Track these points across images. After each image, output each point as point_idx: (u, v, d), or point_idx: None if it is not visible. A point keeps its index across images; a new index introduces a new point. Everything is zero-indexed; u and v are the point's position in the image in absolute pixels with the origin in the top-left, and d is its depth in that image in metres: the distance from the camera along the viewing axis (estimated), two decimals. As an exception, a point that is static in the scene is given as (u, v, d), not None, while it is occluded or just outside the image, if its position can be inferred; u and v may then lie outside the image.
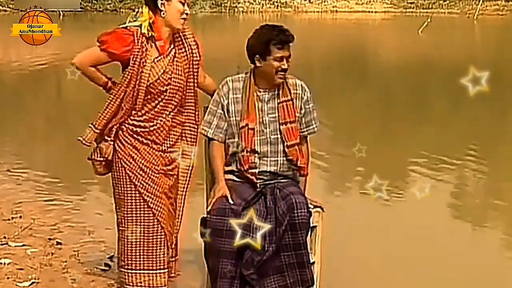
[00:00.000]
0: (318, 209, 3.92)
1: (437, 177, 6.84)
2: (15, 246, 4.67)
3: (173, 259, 3.92)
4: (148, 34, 3.58)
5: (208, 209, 3.70)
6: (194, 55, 3.75)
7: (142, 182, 3.67)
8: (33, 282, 4.10)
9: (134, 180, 3.66)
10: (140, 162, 3.66)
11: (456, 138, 8.70)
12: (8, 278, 4.13)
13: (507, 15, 29.75)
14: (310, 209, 3.74)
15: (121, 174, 3.69)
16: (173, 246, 3.86)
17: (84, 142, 3.68)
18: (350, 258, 4.66)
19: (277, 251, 3.65)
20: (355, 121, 9.80)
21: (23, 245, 4.70)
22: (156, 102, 3.66)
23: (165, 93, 3.66)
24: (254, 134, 3.79)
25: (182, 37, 3.72)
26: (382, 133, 9.38)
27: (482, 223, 5.80)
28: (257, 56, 3.78)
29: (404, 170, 7.27)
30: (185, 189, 3.89)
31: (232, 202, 3.66)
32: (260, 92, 3.84)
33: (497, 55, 18.75)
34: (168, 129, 3.72)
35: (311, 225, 3.79)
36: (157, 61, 3.62)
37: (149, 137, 3.67)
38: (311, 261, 3.76)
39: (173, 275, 3.94)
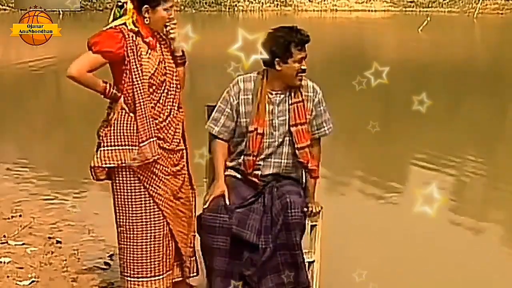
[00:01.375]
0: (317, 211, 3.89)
1: (437, 177, 6.84)
2: (15, 245, 4.67)
3: (191, 258, 3.85)
4: (135, 29, 3.55)
5: (205, 206, 3.69)
6: (169, 43, 3.70)
7: (154, 185, 3.61)
8: (33, 281, 4.11)
9: (145, 184, 3.59)
10: (152, 166, 3.60)
11: (456, 138, 8.69)
12: (8, 277, 4.14)
13: (507, 14, 29.72)
14: (305, 211, 3.71)
15: (129, 179, 3.59)
16: (191, 245, 3.81)
17: (155, 158, 3.56)
18: (350, 258, 4.66)
19: (273, 250, 3.64)
20: (355, 121, 9.78)
21: (23, 244, 4.70)
22: (159, 93, 3.61)
23: (164, 83, 3.63)
24: (262, 138, 3.76)
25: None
26: (382, 133, 9.35)
27: (482, 223, 5.80)
28: (277, 59, 3.71)
29: (403, 170, 7.27)
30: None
31: (228, 203, 3.65)
32: (272, 94, 3.80)
33: (497, 54, 18.73)
34: (175, 125, 3.69)
35: (311, 224, 3.80)
36: (151, 52, 3.60)
37: (160, 135, 3.61)
38: (309, 260, 3.77)
39: (194, 274, 3.87)
